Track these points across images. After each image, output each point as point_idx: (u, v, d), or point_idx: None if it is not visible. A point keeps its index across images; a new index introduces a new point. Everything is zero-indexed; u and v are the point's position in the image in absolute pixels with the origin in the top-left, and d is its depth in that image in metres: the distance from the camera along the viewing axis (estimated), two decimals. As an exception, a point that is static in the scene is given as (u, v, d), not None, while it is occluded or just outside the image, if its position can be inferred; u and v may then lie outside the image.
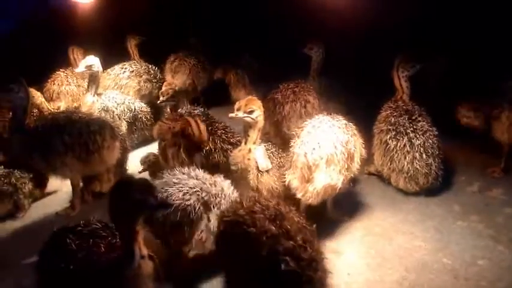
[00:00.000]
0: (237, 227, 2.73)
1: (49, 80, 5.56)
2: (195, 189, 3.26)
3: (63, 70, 5.59)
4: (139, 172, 4.38)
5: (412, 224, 3.99)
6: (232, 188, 3.42)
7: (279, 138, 4.70)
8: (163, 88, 4.93)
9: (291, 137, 4.28)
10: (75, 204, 4.13)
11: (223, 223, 2.89)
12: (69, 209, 4.16)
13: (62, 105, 5.46)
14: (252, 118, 3.70)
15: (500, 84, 4.61)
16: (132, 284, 2.50)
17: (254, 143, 3.78)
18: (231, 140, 4.15)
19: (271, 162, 3.94)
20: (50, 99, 5.41)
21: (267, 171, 3.87)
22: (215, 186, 3.34)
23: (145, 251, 2.53)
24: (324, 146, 3.62)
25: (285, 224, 2.65)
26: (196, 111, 4.42)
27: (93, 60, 4.75)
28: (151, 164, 4.45)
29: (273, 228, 2.62)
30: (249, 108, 3.69)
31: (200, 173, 3.44)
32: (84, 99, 4.85)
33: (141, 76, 5.91)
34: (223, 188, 3.37)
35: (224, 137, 4.16)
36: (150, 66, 6.10)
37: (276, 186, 3.94)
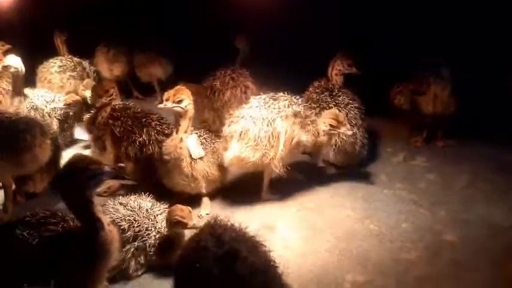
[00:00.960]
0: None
1: None
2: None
3: None
4: None
5: (342, 196, 4.22)
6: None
7: (218, 123, 4.81)
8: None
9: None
10: (7, 207, 4.03)
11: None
12: (1, 213, 4.05)
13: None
14: (181, 107, 3.77)
15: (422, 61, 4.92)
16: (105, 249, 2.64)
17: (185, 131, 3.86)
18: (166, 132, 4.19)
19: (205, 148, 4.06)
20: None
21: (201, 158, 3.99)
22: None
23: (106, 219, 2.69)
24: (242, 121, 3.83)
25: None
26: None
27: (12, 60, 4.62)
28: None
29: None
30: (178, 98, 3.76)
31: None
32: (9, 100, 4.71)
33: (65, 73, 5.82)
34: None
35: (158, 128, 4.21)
36: (80, 61, 6.00)
37: (211, 172, 4.07)
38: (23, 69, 4.68)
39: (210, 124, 5.01)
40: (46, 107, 4.89)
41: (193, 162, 3.96)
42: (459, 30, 5.26)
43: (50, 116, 4.87)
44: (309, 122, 4.04)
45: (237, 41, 5.81)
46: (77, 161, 2.63)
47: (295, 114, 3.97)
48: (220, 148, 4.05)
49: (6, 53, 5.31)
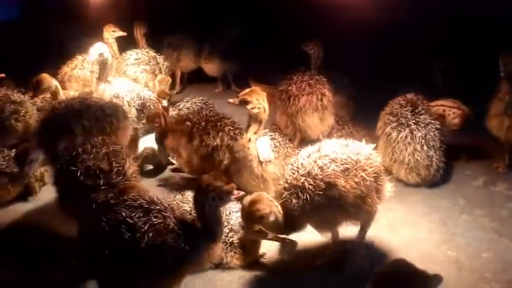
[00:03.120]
0: None
1: (66, 63, 5.57)
2: None
3: (82, 55, 5.59)
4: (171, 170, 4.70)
5: (418, 216, 4.05)
6: None
7: (291, 129, 4.75)
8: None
9: (306, 130, 4.37)
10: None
11: None
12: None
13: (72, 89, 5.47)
14: (248, 108, 3.74)
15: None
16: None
17: (255, 133, 3.82)
18: (238, 138, 4.15)
19: (277, 152, 4.00)
20: (61, 82, 5.41)
21: (270, 161, 3.92)
22: None
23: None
24: None
25: None
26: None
27: (102, 48, 4.77)
28: (147, 158, 4.73)
29: None
30: (246, 99, 3.73)
31: None
32: (95, 86, 4.88)
33: (139, 66, 5.92)
34: None
35: (232, 134, 4.20)
36: (154, 56, 6.08)
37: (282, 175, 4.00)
38: (110, 57, 4.83)
39: (282, 128, 4.95)
40: (126, 95, 5.02)
41: (263, 163, 3.92)
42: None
43: (129, 104, 4.99)
44: None
45: (306, 46, 5.48)
46: (207, 181, 2.73)
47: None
48: None
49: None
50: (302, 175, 3.13)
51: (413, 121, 4.42)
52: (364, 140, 3.44)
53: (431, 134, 4.41)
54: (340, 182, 3.09)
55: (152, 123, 4.61)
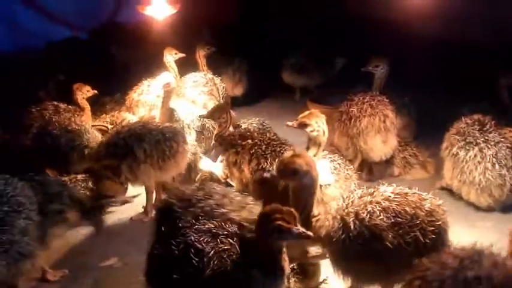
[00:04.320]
0: None
1: (134, 88, 5.79)
2: None
3: (148, 80, 5.75)
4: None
5: (487, 243, 3.77)
6: None
7: (351, 151, 4.65)
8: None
9: (368, 152, 4.24)
10: (148, 210, 4.29)
11: None
12: (142, 215, 4.33)
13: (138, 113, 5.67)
14: (307, 131, 3.67)
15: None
16: None
17: (314, 156, 3.73)
18: None
19: (338, 174, 3.91)
20: (129, 107, 5.63)
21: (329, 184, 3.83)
22: None
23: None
24: None
25: None
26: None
27: (169, 77, 4.93)
28: (205, 182, 4.57)
29: None
30: (305, 122, 3.67)
31: None
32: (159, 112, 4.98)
33: (197, 88, 5.97)
34: None
35: None
36: (212, 77, 6.13)
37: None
38: (175, 85, 5.01)
39: (342, 150, 4.84)
40: (186, 118, 5.15)
41: (323, 187, 3.83)
42: None
43: (189, 127, 5.12)
44: None
45: (373, 65, 5.21)
46: (269, 212, 2.55)
47: None
48: None
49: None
50: (349, 213, 2.84)
51: (482, 139, 4.21)
52: (431, 192, 3.05)
53: (503, 152, 4.17)
54: (387, 236, 2.73)
55: (217, 119, 4.44)
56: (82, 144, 4.49)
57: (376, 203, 2.83)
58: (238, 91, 6.89)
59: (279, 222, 2.45)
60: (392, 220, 2.75)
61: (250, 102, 7.06)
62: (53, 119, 4.78)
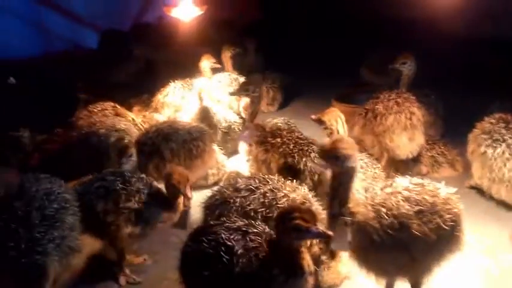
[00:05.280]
0: None
1: (160, 90, 5.88)
2: None
3: (174, 82, 5.85)
4: None
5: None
6: None
7: (377, 149, 4.63)
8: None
9: (394, 149, 4.24)
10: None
11: None
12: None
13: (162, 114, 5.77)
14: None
15: None
16: None
17: None
18: None
19: (364, 173, 3.89)
20: (155, 109, 5.75)
21: None
22: None
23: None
24: None
25: None
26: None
27: (204, 83, 5.08)
28: None
29: None
30: (322, 119, 3.76)
31: None
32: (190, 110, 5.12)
33: (222, 88, 6.02)
34: None
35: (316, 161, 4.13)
36: (236, 78, 6.17)
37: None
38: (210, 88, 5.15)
39: (368, 148, 4.81)
40: (213, 118, 5.20)
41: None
42: None
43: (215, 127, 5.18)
44: None
45: (400, 62, 5.12)
46: (287, 211, 2.57)
47: None
48: None
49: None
50: (379, 203, 2.83)
51: (509, 136, 4.13)
52: (443, 182, 3.07)
53: None
54: (413, 225, 2.76)
55: (251, 93, 4.37)
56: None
57: (398, 193, 2.87)
58: (273, 108, 6.82)
59: (298, 221, 2.46)
60: (415, 208, 2.79)
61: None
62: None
